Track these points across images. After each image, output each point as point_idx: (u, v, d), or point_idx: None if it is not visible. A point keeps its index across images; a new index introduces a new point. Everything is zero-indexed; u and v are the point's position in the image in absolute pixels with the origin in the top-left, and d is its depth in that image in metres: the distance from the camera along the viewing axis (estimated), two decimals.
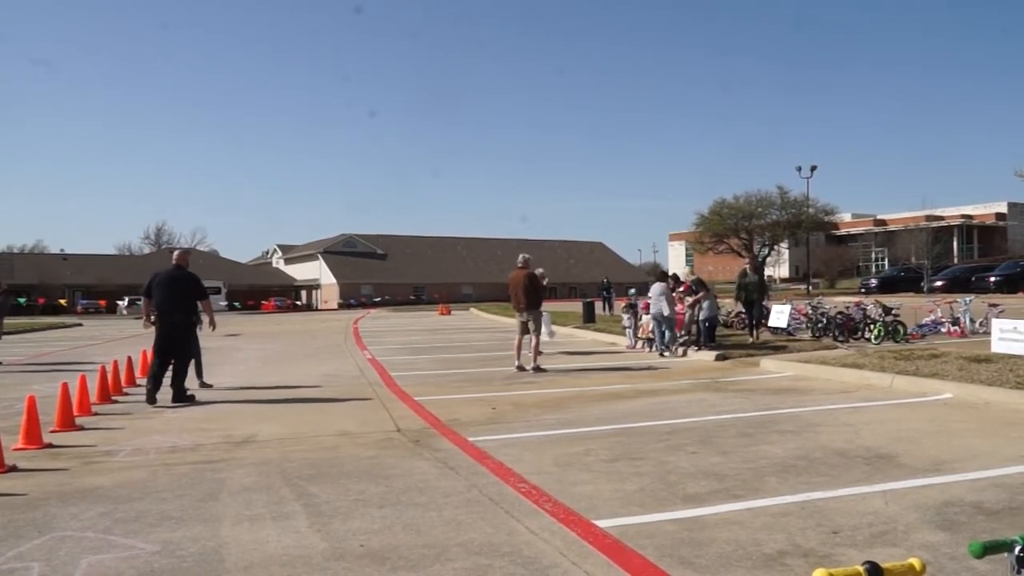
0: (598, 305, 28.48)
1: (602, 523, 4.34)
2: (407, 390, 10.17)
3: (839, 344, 14.50)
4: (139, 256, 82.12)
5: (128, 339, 23.14)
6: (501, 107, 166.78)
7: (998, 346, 11.22)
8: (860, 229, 80.00)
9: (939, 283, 39.64)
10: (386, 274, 76.85)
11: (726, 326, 18.04)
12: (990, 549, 1.51)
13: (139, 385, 11.13)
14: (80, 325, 36.01)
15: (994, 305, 16.74)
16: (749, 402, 8.72)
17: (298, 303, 72.93)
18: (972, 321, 16.46)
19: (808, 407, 8.27)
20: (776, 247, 59.15)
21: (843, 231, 77.83)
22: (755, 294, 15.39)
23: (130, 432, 7.54)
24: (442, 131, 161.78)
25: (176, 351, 9.59)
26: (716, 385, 10.21)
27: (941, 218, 70.30)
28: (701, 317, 14.29)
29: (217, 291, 53.76)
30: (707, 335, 14.35)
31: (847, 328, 15.28)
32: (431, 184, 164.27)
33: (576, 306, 28.72)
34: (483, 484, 5.27)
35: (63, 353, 18.66)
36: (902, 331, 14.65)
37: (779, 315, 16.89)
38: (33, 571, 3.79)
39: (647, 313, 15.34)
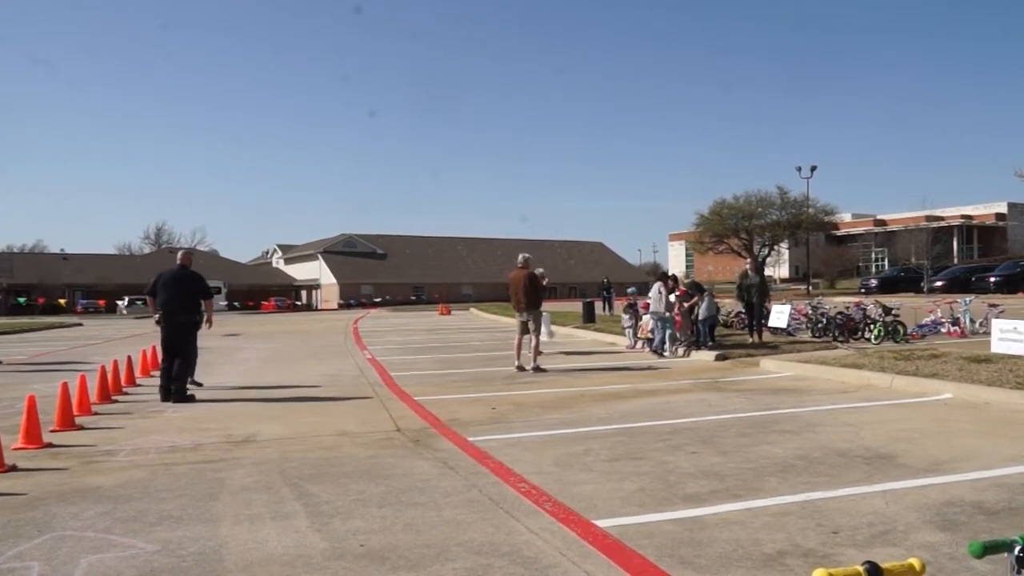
0: (598, 305, 28.47)
1: (602, 523, 4.34)
2: (407, 390, 10.17)
3: (839, 344, 14.50)
4: (139, 256, 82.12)
5: (128, 339, 23.14)
6: (501, 107, 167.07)
7: (998, 346, 11.22)
8: (860, 229, 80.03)
9: (939, 283, 39.64)
10: (386, 274, 76.84)
11: (726, 326, 18.04)
12: (990, 549, 1.51)
13: (139, 385, 11.15)
14: (80, 325, 36.01)
15: (994, 305, 16.74)
16: (749, 402, 8.72)
17: (298, 303, 72.91)
18: (972, 321, 16.46)
19: (808, 407, 8.27)
20: (776, 247, 59.14)
21: (843, 231, 77.85)
22: (756, 295, 15.39)
23: (130, 432, 7.54)
24: (442, 131, 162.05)
25: (179, 350, 9.61)
26: (716, 385, 10.21)
27: (941, 218, 70.34)
28: (700, 317, 14.31)
29: (217, 291, 53.73)
30: (707, 335, 14.37)
31: (847, 328, 15.28)
32: (431, 184, 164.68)
33: (576, 306, 28.72)
34: (483, 484, 5.27)
35: (63, 353, 18.66)
36: (902, 331, 14.65)
37: (779, 315, 16.89)
38: (33, 570, 3.79)
39: (647, 313, 15.36)
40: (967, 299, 17.96)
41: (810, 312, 16.95)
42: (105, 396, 9.50)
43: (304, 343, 20.52)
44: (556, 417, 7.93)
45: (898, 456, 5.84)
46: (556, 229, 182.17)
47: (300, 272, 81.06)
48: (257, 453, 6.44)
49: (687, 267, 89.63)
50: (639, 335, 16.12)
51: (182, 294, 9.76)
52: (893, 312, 15.14)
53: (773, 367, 11.84)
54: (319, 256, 77.14)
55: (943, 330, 16.09)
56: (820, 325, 16.00)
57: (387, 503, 4.85)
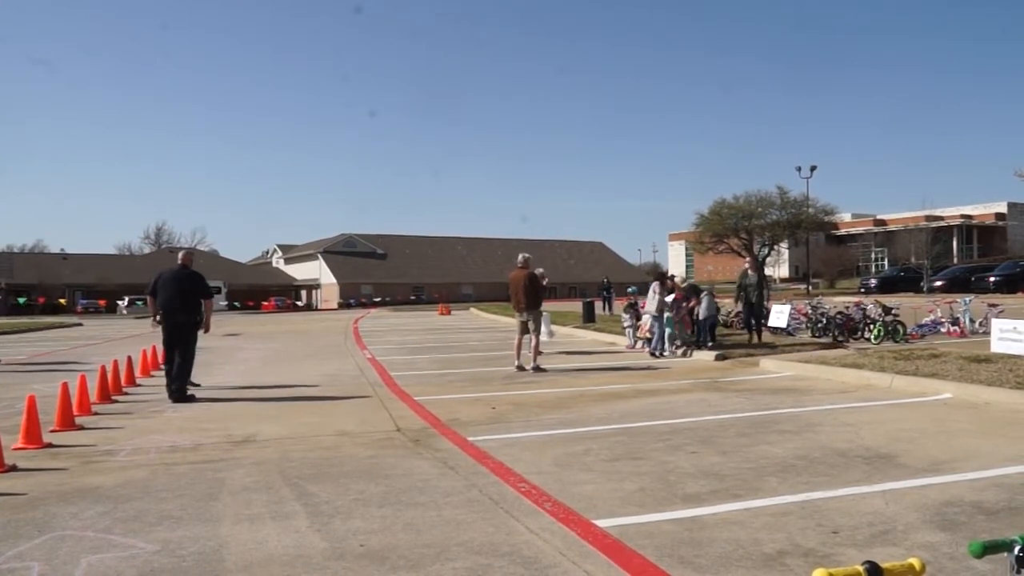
0: (598, 305, 28.47)
1: (602, 523, 4.34)
2: (407, 390, 10.17)
3: (839, 344, 14.50)
4: (139, 256, 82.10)
5: (128, 339, 23.14)
6: (501, 107, 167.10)
7: (998, 346, 11.22)
8: (860, 229, 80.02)
9: (939, 283, 39.64)
10: (386, 274, 76.81)
11: (726, 326, 18.05)
12: (990, 549, 1.51)
13: (139, 385, 11.15)
14: (80, 325, 36.00)
15: (994, 305, 16.75)
16: (749, 402, 8.72)
17: (298, 303, 72.89)
18: (972, 321, 16.46)
19: (808, 407, 8.27)
20: (776, 247, 59.08)
21: (843, 231, 77.83)
22: (755, 295, 15.39)
23: (130, 432, 7.54)
24: (442, 131, 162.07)
25: (180, 349, 9.62)
26: (716, 385, 10.21)
27: (941, 218, 70.33)
28: (701, 317, 14.32)
29: (217, 291, 53.72)
30: (707, 335, 14.37)
31: (847, 328, 15.28)
32: (431, 184, 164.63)
33: (576, 306, 28.71)
34: (483, 484, 5.27)
35: (63, 353, 18.66)
36: (902, 331, 14.65)
37: (779, 315, 16.90)
38: (33, 570, 3.79)
39: (647, 313, 15.36)
40: (967, 299, 17.97)
41: (810, 312, 16.96)
42: (105, 396, 9.50)
43: (304, 343, 20.52)
44: (556, 417, 7.93)
45: (898, 456, 5.85)
46: (556, 229, 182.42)
47: (300, 272, 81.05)
48: (257, 453, 6.44)
49: (687, 267, 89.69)
50: (639, 335, 16.13)
51: (182, 294, 9.77)
52: (893, 312, 15.14)
53: (773, 367, 11.85)
54: (319, 256, 77.12)
55: (943, 330, 16.09)
56: (820, 325, 16.00)
57: (387, 503, 4.85)
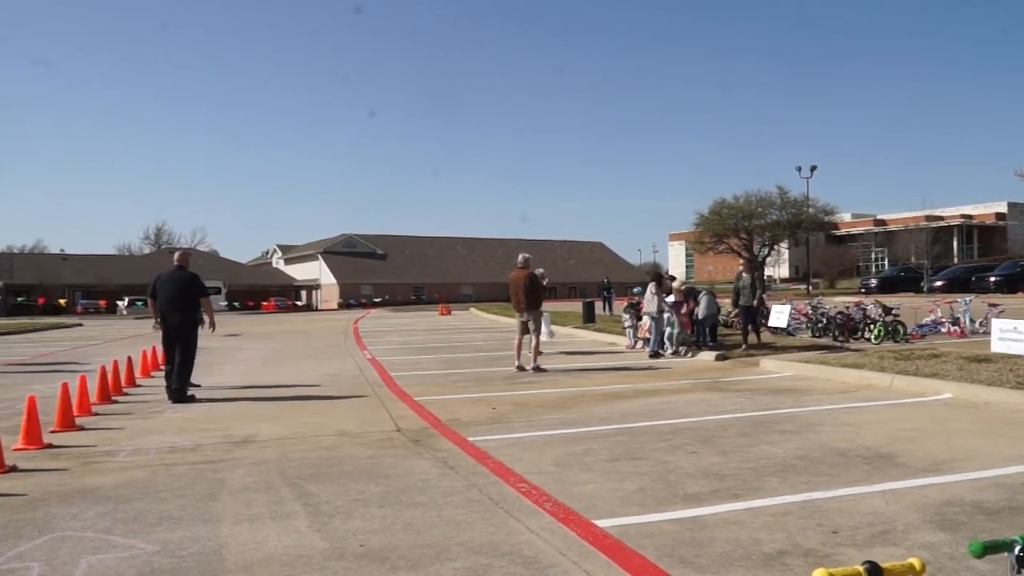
0: (598, 305, 28.48)
1: (602, 523, 4.34)
2: (407, 390, 10.17)
3: (839, 344, 14.50)
4: (139, 256, 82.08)
5: (128, 339, 23.14)
6: (501, 107, 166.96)
7: (998, 346, 11.22)
8: (860, 229, 79.99)
9: (939, 283, 39.64)
10: (386, 274, 76.82)
11: (726, 326, 18.04)
12: (990, 549, 1.51)
13: (139, 385, 11.15)
14: (80, 325, 36.00)
15: (994, 305, 16.74)
16: (749, 402, 8.72)
17: (298, 303, 72.87)
18: (972, 321, 16.46)
19: (808, 407, 8.27)
20: (776, 247, 59.04)
21: (843, 231, 77.81)
22: (747, 297, 15.34)
23: (130, 432, 7.54)
24: (442, 131, 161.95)
25: (180, 350, 9.63)
26: (716, 385, 10.22)
27: (941, 218, 70.31)
28: (700, 317, 14.32)
29: (217, 291, 53.75)
30: (707, 335, 14.37)
31: (847, 328, 15.28)
32: (431, 184, 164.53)
33: (576, 306, 28.72)
34: (483, 484, 5.27)
35: (63, 353, 18.66)
36: (902, 331, 14.65)
37: (779, 315, 16.89)
38: (33, 571, 3.79)
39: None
40: (967, 299, 17.97)
41: (810, 312, 16.96)
42: (105, 397, 9.50)
43: (304, 343, 20.53)
44: (556, 417, 7.93)
45: (898, 456, 5.85)
46: (556, 229, 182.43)
47: (300, 272, 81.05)
48: (257, 453, 6.44)
49: (687, 267, 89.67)
50: (639, 335, 16.13)
51: (180, 295, 9.80)
52: (893, 312, 15.14)
53: (773, 367, 11.85)
54: (319, 256, 77.14)
55: (943, 330, 16.09)
56: (820, 325, 16.00)
57: (387, 503, 4.85)
